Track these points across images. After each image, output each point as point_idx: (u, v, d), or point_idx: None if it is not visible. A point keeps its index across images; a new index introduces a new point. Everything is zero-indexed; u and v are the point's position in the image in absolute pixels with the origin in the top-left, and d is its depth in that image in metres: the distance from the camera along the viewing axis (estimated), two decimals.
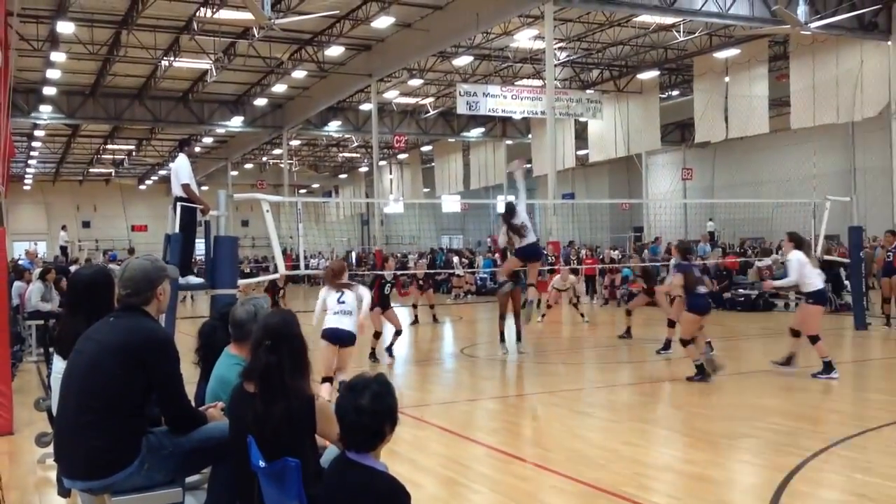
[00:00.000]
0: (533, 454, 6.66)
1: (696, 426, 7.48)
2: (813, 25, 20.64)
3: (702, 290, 9.90)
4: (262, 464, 3.15)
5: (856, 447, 6.35)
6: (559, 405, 8.76)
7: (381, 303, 12.50)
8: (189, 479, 3.91)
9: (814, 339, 9.60)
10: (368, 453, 2.90)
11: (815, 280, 9.74)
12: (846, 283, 17.22)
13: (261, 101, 35.12)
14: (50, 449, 5.71)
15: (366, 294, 8.87)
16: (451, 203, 45.13)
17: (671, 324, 11.75)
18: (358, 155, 47.89)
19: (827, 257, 16.29)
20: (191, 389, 4.01)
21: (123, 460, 3.48)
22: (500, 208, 42.98)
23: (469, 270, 12.59)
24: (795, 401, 8.58)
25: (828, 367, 9.45)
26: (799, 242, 9.93)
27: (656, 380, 10.11)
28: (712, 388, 9.52)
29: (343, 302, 8.37)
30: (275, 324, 3.41)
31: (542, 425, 8.05)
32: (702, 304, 9.72)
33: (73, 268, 14.99)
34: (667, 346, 11.84)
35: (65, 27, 22.75)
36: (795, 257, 9.74)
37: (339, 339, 8.27)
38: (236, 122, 36.34)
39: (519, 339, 12.46)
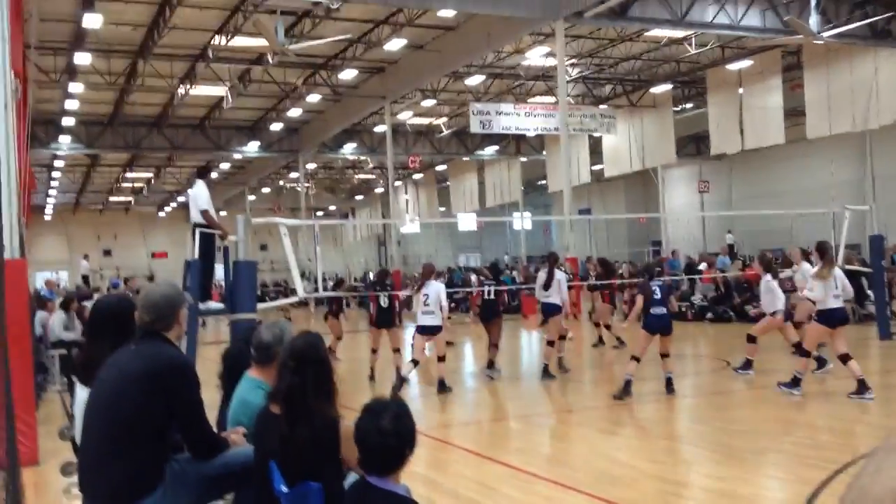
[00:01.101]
0: (558, 474, 6.60)
1: (721, 441, 7.40)
2: (825, 35, 20.54)
3: (659, 311, 9.86)
4: (283, 488, 3.14)
5: None
6: (583, 424, 8.70)
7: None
8: None
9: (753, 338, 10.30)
10: (389, 477, 2.89)
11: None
12: (869, 292, 17.01)
13: (276, 126, 35.39)
14: (75, 478, 5.73)
15: (442, 290, 10.94)
16: (467, 221, 45.13)
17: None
18: (373, 176, 48.07)
19: (848, 267, 16.11)
20: (213, 415, 4.02)
21: (147, 487, 3.48)
22: (517, 225, 42.58)
23: (490, 288, 12.57)
24: (820, 413, 8.48)
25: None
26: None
27: (679, 396, 10.02)
28: (736, 403, 9.42)
29: (427, 304, 10.76)
30: (300, 346, 3.44)
31: (567, 444, 7.99)
32: (649, 323, 9.84)
33: (95, 296, 15.10)
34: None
35: (82, 58, 23.04)
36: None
37: (427, 331, 10.81)
38: (253, 148, 36.62)
39: (491, 365, 12.49)
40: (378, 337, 12.47)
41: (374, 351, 12.57)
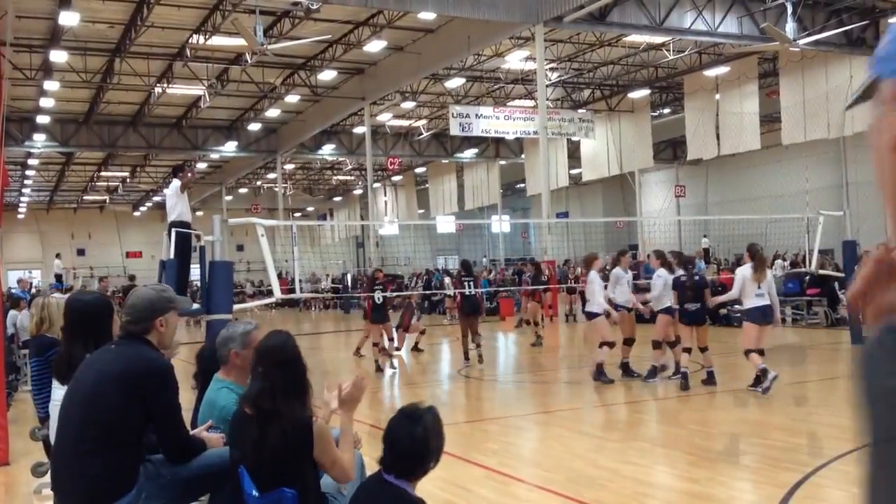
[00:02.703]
0: (533, 475, 6.63)
1: (695, 443, 7.46)
2: (801, 42, 20.79)
3: (691, 306, 10.19)
4: (255, 493, 3.12)
5: (855, 461, 6.29)
6: (558, 425, 8.73)
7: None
8: None
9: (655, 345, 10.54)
10: (408, 481, 2.89)
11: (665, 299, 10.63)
12: (841, 297, 17.24)
13: (254, 126, 35.21)
14: (46, 479, 5.67)
15: (593, 281, 10.93)
16: (445, 224, 45.17)
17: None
18: (352, 177, 47.97)
19: (821, 272, 16.34)
20: (188, 417, 3.99)
21: (121, 489, 3.45)
22: (496, 228, 42.63)
23: (469, 281, 12.90)
24: (794, 416, 8.57)
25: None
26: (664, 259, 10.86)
27: (654, 398, 10.09)
28: (710, 405, 9.51)
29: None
30: (268, 347, 3.38)
31: (542, 446, 8.02)
32: (683, 316, 10.36)
33: (66, 295, 14.92)
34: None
35: (58, 56, 22.82)
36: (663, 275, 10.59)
37: (589, 317, 11.14)
38: (230, 148, 36.40)
39: (480, 360, 13.30)
40: (376, 332, 13.38)
41: (375, 345, 13.39)
